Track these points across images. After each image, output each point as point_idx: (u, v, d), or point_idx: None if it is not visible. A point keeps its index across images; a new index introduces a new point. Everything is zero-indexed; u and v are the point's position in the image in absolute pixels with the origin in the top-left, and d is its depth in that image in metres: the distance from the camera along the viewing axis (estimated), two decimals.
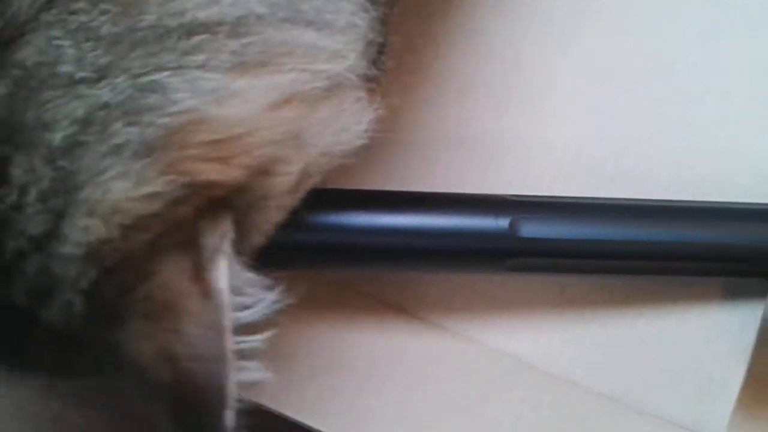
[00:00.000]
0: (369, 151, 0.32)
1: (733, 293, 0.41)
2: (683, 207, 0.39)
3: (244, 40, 0.26)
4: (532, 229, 0.36)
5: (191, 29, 0.25)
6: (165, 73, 0.25)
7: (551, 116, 0.43)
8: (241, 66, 0.26)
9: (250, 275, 0.28)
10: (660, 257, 0.38)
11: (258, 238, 0.29)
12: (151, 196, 0.24)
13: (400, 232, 0.36)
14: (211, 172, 0.25)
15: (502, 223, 0.36)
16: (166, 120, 0.24)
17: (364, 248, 0.36)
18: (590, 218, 0.37)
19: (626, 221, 0.37)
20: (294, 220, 0.30)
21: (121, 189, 0.24)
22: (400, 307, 0.41)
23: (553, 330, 0.41)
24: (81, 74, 0.24)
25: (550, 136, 0.43)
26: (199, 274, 0.26)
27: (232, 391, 0.25)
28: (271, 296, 0.28)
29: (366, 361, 0.40)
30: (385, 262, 0.37)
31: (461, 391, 0.39)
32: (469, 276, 0.41)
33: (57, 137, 0.23)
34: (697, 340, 0.41)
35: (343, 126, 0.30)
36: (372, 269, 0.39)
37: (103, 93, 0.24)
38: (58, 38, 0.24)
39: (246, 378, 0.27)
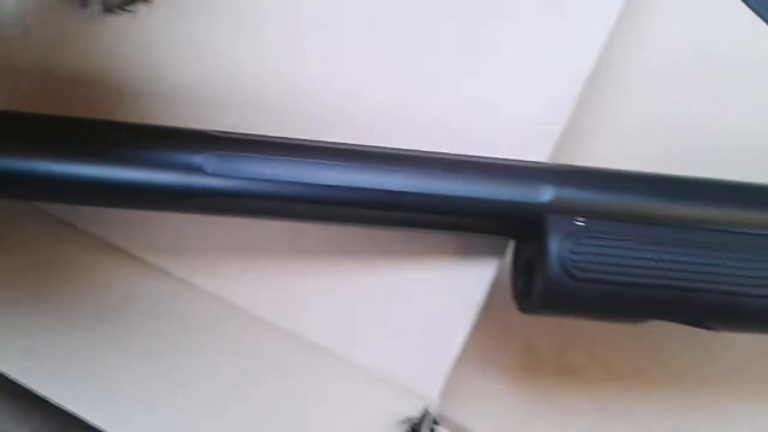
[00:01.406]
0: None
1: (468, 251, 0.40)
2: (419, 156, 0.38)
3: None
4: (223, 166, 0.34)
5: None
6: None
7: (292, 57, 0.42)
8: None
9: None
10: (380, 207, 0.37)
11: None
12: None
13: (88, 162, 0.34)
14: None
15: (196, 159, 0.34)
16: None
17: (53, 180, 0.34)
18: (291, 159, 0.35)
19: (342, 166, 0.36)
20: None
21: None
22: (124, 249, 0.40)
23: (277, 278, 0.40)
24: None
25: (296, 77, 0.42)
26: None
27: None
28: None
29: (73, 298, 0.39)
30: (72, 194, 0.35)
31: (168, 335, 0.38)
32: (198, 219, 0.39)
33: None
34: (427, 297, 0.40)
35: None
36: (60, 201, 0.37)
37: None
38: None
39: None
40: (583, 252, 0.35)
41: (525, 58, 0.43)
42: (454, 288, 0.40)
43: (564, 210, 0.36)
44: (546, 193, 0.36)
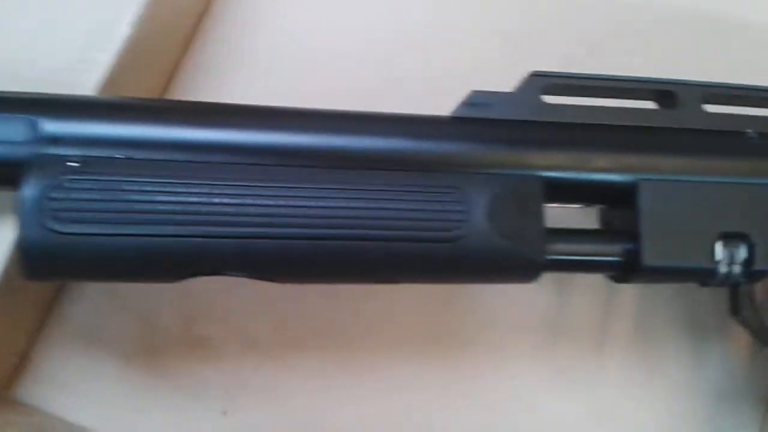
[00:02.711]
0: None
1: None
2: None
3: None
4: None
5: None
6: None
7: None
8: None
9: None
10: None
11: None
12: None
13: None
14: None
15: None
16: None
17: None
18: None
19: None
20: None
21: None
22: None
23: None
24: None
25: None
26: None
27: None
28: None
29: None
30: None
31: None
32: None
33: None
34: None
35: None
36: None
37: None
38: None
39: None
40: (72, 199, 0.28)
41: None
42: None
43: (54, 148, 0.29)
44: (27, 129, 0.29)
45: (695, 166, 0.34)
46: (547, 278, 0.40)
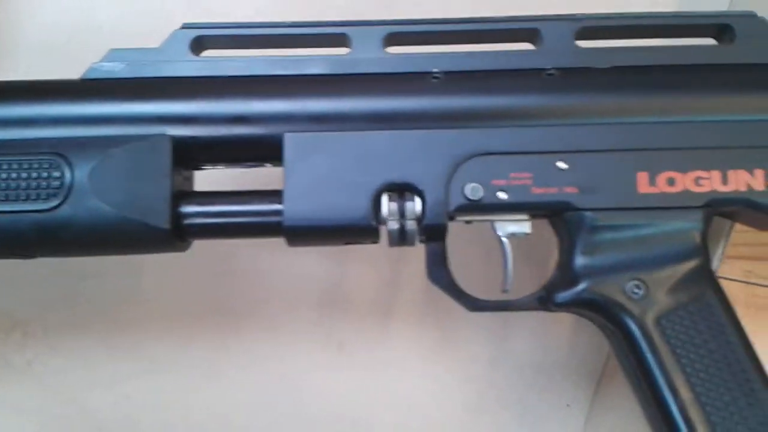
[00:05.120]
0: None
1: None
2: None
3: None
4: None
5: None
6: None
7: None
8: None
9: None
10: None
11: None
12: None
13: None
14: None
15: None
16: None
17: None
18: None
19: None
20: None
21: None
22: None
23: None
24: None
25: None
26: None
27: None
28: None
29: None
30: None
31: None
32: None
33: None
34: None
35: None
36: None
37: None
38: None
39: None
40: None
41: None
42: None
43: None
44: None
45: (349, 115, 0.30)
46: (326, 250, 0.37)
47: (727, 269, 0.41)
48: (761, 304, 0.41)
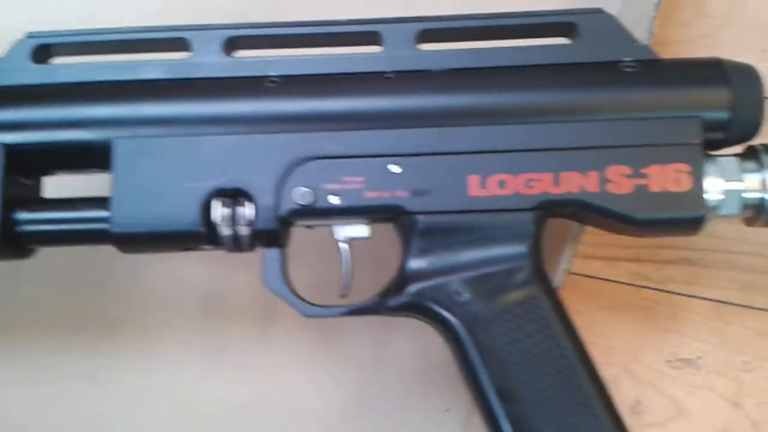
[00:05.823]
0: None
1: None
2: None
3: None
4: None
5: None
6: None
7: None
8: None
9: None
10: None
11: None
12: None
13: None
14: None
15: None
16: None
17: None
18: None
19: None
20: None
21: None
22: None
23: None
24: None
25: None
26: None
27: None
28: None
29: None
30: None
31: None
32: None
33: None
34: None
35: None
36: None
37: None
38: None
39: None
40: None
41: None
42: None
43: None
44: None
45: (180, 120, 0.30)
46: (210, 254, 0.36)
47: (611, 271, 0.40)
48: (648, 306, 0.40)
